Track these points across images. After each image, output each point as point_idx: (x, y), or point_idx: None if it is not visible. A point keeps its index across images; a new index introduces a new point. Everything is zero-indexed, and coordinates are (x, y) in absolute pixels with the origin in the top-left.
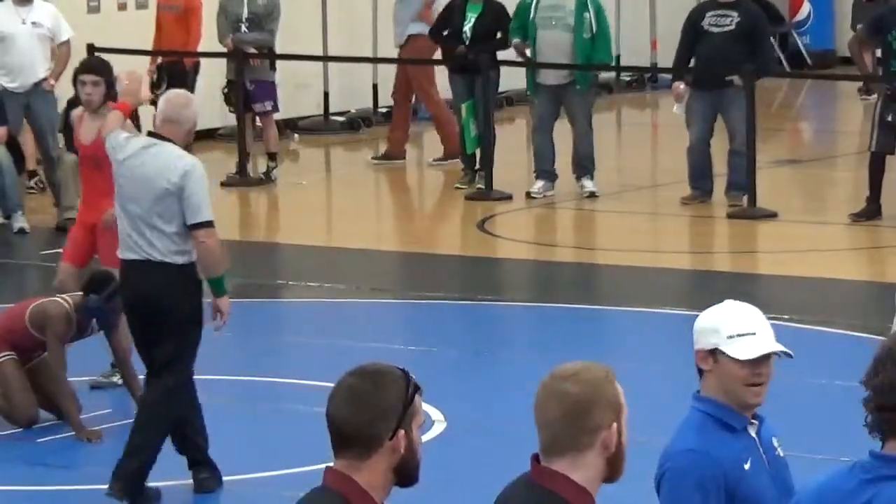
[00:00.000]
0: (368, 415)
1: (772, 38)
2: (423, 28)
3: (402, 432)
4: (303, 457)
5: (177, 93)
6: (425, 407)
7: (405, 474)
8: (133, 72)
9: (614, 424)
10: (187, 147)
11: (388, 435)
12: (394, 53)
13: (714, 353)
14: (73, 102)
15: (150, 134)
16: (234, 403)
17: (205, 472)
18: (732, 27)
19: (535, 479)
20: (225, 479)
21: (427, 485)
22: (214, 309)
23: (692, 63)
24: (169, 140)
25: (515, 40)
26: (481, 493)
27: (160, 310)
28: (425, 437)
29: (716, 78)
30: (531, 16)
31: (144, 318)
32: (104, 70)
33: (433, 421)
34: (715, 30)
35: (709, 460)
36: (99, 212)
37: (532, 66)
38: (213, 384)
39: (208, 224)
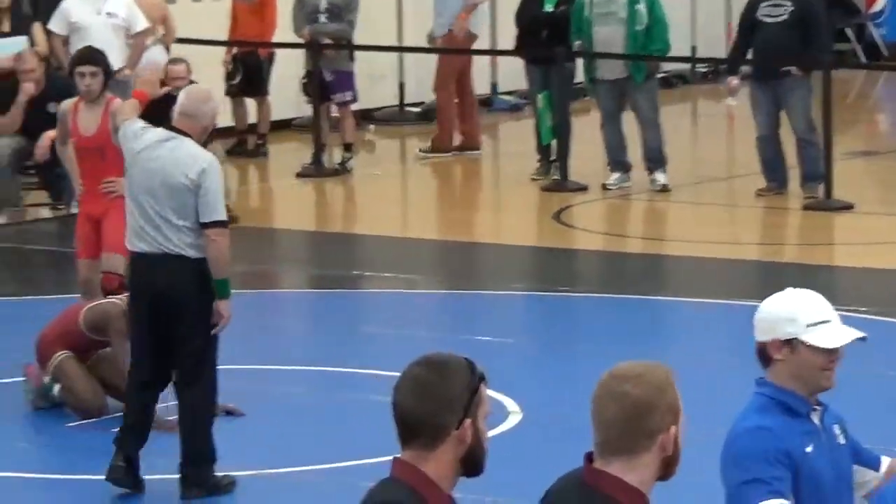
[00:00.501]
0: (434, 405)
1: (848, 29)
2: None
3: (468, 422)
4: (377, 447)
5: (198, 88)
6: (501, 398)
7: (472, 464)
8: (156, 62)
9: (672, 427)
10: (204, 143)
11: (454, 425)
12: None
13: (791, 342)
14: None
15: (167, 127)
16: (310, 393)
17: (121, 461)
18: (786, 16)
19: (588, 480)
20: (300, 469)
21: (502, 475)
22: (216, 311)
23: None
24: (186, 134)
25: (577, 42)
26: None
27: (177, 303)
28: (501, 429)
29: (773, 69)
30: (586, 13)
31: (155, 309)
32: (102, 60)
33: (508, 412)
34: (769, 20)
35: (776, 437)
36: (103, 202)
37: (604, 57)
38: (288, 374)
39: (222, 223)
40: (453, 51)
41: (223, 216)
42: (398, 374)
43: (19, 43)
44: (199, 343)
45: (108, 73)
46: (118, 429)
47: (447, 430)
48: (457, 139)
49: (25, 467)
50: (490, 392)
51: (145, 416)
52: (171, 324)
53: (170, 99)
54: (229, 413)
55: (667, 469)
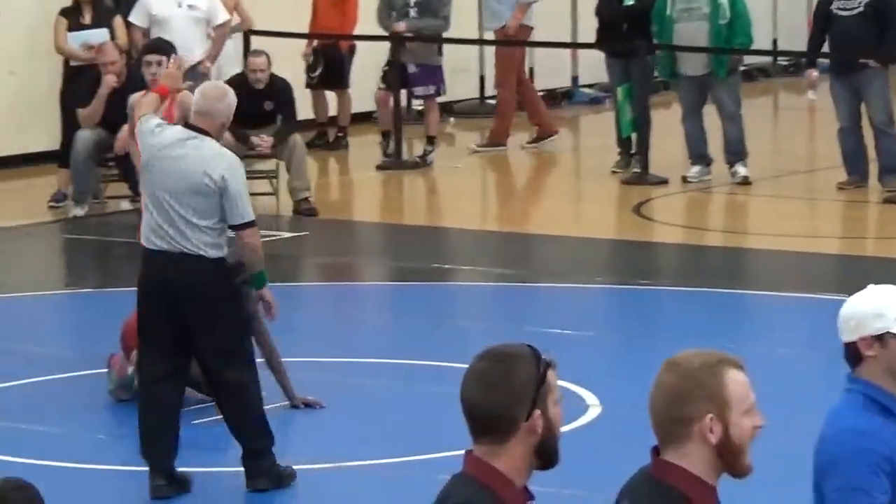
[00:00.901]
0: (500, 398)
1: None
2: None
3: (537, 412)
4: (457, 440)
5: (213, 85)
6: (580, 391)
7: (546, 455)
8: (180, 57)
9: (708, 416)
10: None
11: (523, 417)
12: (550, 37)
13: (881, 337)
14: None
15: (186, 125)
16: (390, 386)
17: (161, 479)
18: (861, 8)
19: (654, 472)
20: (380, 461)
21: (581, 468)
22: (258, 300)
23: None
24: (205, 133)
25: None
26: None
27: (195, 302)
28: (580, 422)
29: (850, 61)
30: (668, 11)
31: (169, 306)
32: (169, 50)
33: (588, 405)
34: (843, 13)
35: (876, 441)
36: None
37: (683, 50)
38: (368, 367)
39: (251, 224)
40: (531, 43)
41: (251, 216)
42: None
43: (101, 35)
44: (221, 341)
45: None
46: (141, 440)
47: (516, 423)
48: (522, 133)
49: (104, 459)
50: (569, 385)
51: (166, 414)
52: (185, 322)
53: None
54: (308, 405)
55: (726, 462)
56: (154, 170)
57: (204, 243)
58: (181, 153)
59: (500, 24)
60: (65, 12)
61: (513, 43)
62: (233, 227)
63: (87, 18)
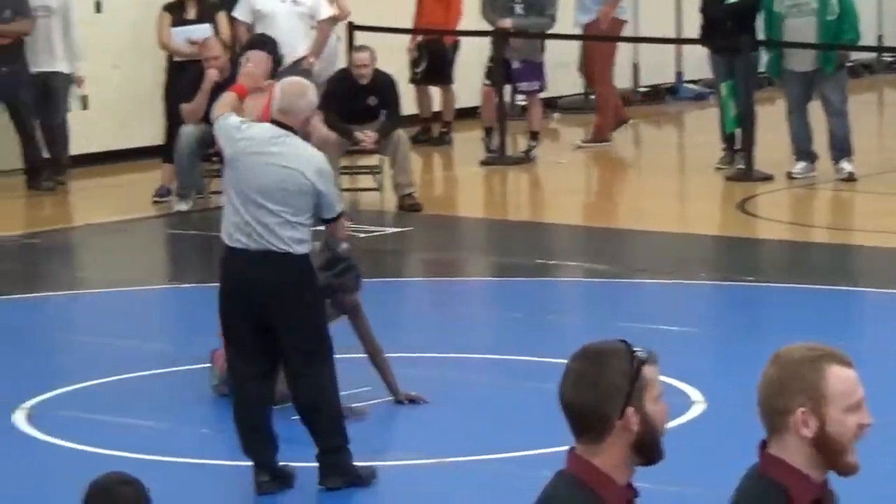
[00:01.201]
0: (592, 397)
1: None
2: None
3: (630, 410)
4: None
5: (292, 82)
6: (685, 387)
7: (647, 451)
8: (258, 54)
9: (800, 409)
10: (306, 136)
11: (616, 414)
12: (655, 33)
13: None
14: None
15: (272, 122)
16: (494, 382)
17: (265, 476)
18: None
19: (760, 467)
20: (483, 457)
21: (686, 465)
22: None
23: None
24: (290, 129)
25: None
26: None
27: (280, 300)
28: (685, 418)
29: None
30: (776, 7)
31: (253, 305)
32: (272, 46)
33: (693, 402)
34: None
35: None
36: None
37: (790, 46)
38: (472, 362)
39: (342, 213)
40: (635, 39)
41: (342, 206)
42: None
43: (204, 31)
44: (305, 340)
45: (277, 61)
46: (240, 438)
47: (610, 421)
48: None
49: (208, 454)
50: (673, 381)
51: (260, 411)
52: (269, 320)
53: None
54: (412, 401)
55: (826, 457)
56: (242, 167)
57: (294, 240)
58: (273, 150)
59: (590, 17)
60: (168, 7)
61: (613, 39)
62: (325, 221)
63: (190, 14)
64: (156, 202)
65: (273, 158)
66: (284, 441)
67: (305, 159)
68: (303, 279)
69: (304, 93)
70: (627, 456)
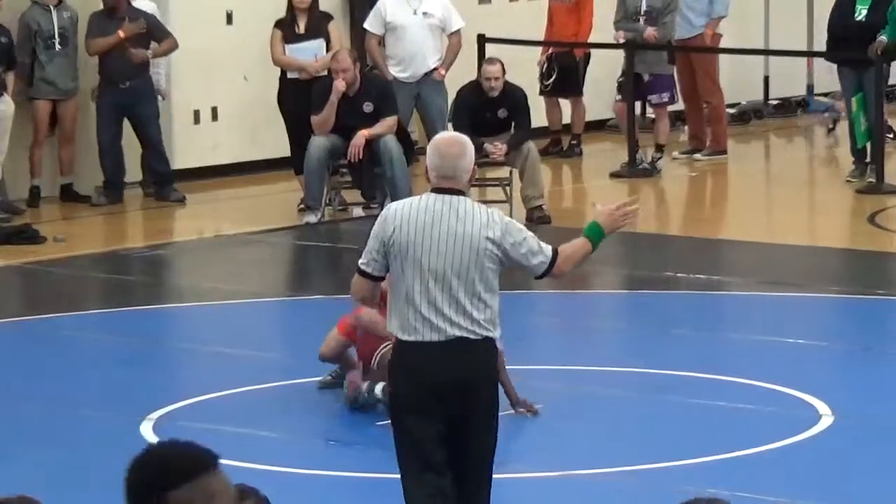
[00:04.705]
0: None
1: None
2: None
3: None
4: (691, 449)
5: (449, 142)
6: (813, 401)
7: None
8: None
9: None
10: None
11: None
12: (786, 46)
13: None
14: None
15: (435, 190)
16: (623, 394)
17: None
18: None
19: None
20: (613, 469)
21: (814, 478)
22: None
23: None
24: (460, 193)
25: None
26: (870, 487)
27: (478, 395)
28: (812, 431)
29: None
30: None
31: (445, 409)
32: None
33: (820, 415)
34: None
35: None
36: None
37: None
38: (600, 375)
39: (557, 252)
40: (765, 52)
41: (549, 247)
42: (711, 376)
43: (318, 47)
44: (489, 440)
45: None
46: None
47: None
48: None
49: (331, 465)
50: (802, 394)
51: None
52: (464, 423)
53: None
54: (526, 411)
55: None
56: (417, 254)
57: (490, 321)
58: (451, 220)
59: (694, 32)
60: (279, 24)
61: (752, 52)
62: (549, 268)
63: (301, 28)
64: (301, 210)
65: (457, 227)
66: None
67: (486, 218)
68: (494, 368)
69: (463, 153)
70: None
